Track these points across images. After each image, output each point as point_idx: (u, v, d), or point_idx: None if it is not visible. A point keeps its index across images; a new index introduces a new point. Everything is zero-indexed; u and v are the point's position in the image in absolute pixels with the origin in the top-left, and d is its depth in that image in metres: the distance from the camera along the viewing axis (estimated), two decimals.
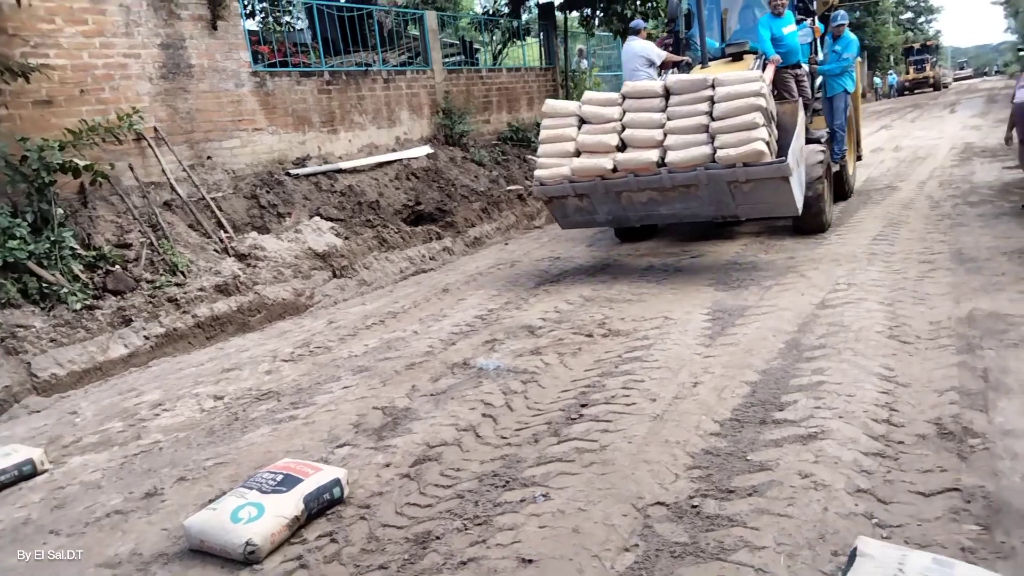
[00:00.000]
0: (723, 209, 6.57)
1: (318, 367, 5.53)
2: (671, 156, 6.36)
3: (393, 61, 11.96)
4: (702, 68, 8.03)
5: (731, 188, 6.29)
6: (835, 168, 8.81)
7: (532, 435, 3.81)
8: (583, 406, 4.10)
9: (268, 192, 9.03)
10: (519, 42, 16.40)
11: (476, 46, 15.29)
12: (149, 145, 7.93)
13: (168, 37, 8.17)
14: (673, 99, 6.60)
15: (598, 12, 16.75)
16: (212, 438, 4.36)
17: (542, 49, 16.28)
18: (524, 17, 17.77)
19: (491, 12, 17.53)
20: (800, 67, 8.23)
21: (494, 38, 16.60)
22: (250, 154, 9.18)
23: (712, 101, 6.36)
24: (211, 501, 3.35)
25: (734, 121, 6.18)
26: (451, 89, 12.74)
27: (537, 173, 7.07)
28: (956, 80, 54.97)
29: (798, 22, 8.21)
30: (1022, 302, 4.91)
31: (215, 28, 8.59)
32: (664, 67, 8.63)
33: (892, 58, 52.10)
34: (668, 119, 6.55)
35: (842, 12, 8.85)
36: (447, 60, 13.43)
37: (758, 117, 6.08)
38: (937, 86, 44.86)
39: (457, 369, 5.04)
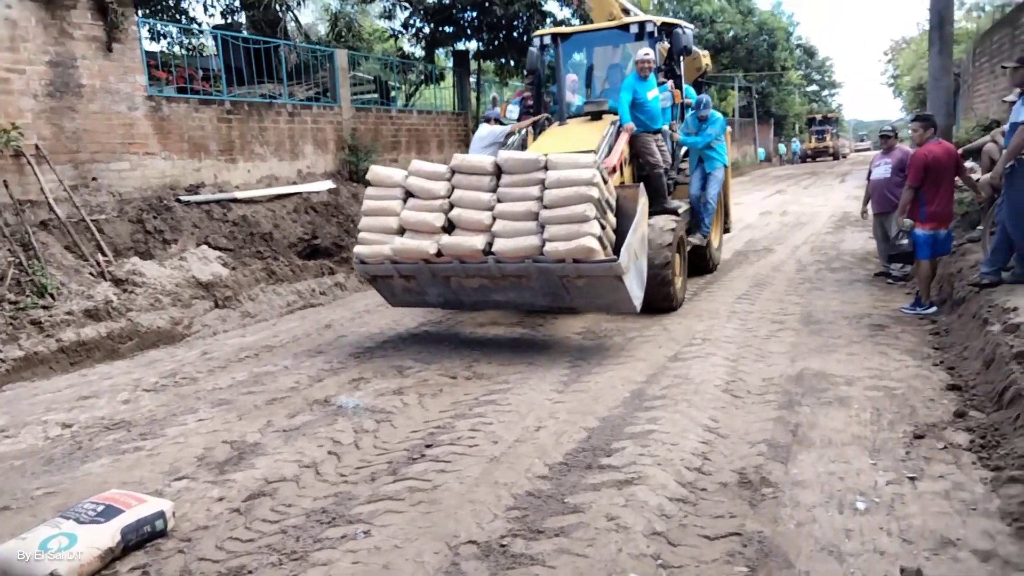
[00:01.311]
0: (558, 301, 6.16)
1: (179, 398, 5.48)
2: (498, 244, 5.84)
3: (300, 95, 12.02)
4: (560, 125, 8.05)
5: (563, 282, 5.87)
6: (698, 241, 8.66)
7: (371, 474, 3.92)
8: (428, 446, 4.23)
9: (155, 217, 8.89)
10: (433, 86, 16.72)
11: (393, 85, 15.50)
12: (28, 163, 7.72)
13: (58, 55, 8.03)
14: (504, 179, 6.01)
15: (511, 61, 17.29)
16: (49, 467, 4.27)
17: (456, 94, 16.66)
18: (448, 64, 18.09)
19: (406, 55, 17.82)
20: (660, 132, 8.04)
21: (409, 79, 16.87)
22: (140, 178, 9.03)
23: (544, 185, 5.82)
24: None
25: (564, 212, 5.64)
26: (359, 127, 12.87)
27: (357, 250, 6.43)
28: (855, 151, 58.55)
29: (659, 84, 8.04)
30: (848, 363, 5.35)
31: (110, 50, 8.49)
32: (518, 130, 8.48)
33: (797, 127, 55.25)
34: (498, 200, 5.98)
35: (706, 98, 8.86)
36: (359, 97, 13.57)
37: (589, 210, 5.55)
38: (836, 155, 47.71)
39: (316, 406, 5.09)
